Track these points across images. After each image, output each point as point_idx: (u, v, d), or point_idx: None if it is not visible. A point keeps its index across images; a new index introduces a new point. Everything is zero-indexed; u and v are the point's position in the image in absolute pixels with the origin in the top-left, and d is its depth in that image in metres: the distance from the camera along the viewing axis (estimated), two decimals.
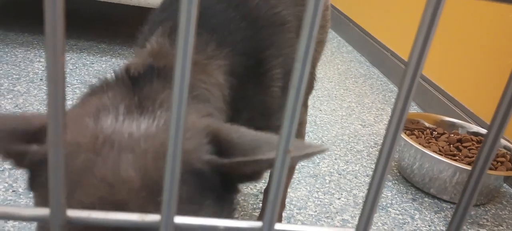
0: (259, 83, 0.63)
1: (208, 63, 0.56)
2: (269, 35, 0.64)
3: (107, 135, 0.40)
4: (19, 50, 1.60)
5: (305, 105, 0.94)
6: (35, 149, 0.40)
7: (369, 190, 0.28)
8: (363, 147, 1.36)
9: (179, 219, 0.28)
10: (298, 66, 0.25)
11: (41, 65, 1.51)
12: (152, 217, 0.27)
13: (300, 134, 0.91)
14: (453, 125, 1.36)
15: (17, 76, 1.40)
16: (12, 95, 1.27)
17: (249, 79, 0.61)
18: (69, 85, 1.39)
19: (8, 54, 1.55)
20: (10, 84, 1.33)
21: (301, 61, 0.24)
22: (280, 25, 0.65)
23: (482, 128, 1.35)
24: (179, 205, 0.36)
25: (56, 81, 0.23)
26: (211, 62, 0.56)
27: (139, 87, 0.47)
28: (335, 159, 1.26)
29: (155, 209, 0.39)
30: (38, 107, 1.23)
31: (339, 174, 1.19)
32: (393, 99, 1.80)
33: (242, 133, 0.41)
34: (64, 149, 0.24)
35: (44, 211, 0.26)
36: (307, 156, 0.37)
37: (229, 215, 0.50)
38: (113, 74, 0.49)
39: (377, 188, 0.28)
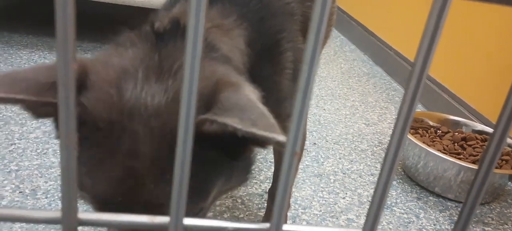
0: (275, 63, 0.64)
1: (231, 29, 0.56)
2: (281, 22, 0.65)
3: (127, 108, 0.41)
4: (24, 52, 1.60)
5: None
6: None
7: (375, 191, 0.28)
8: (367, 146, 1.36)
9: (188, 221, 0.28)
10: (306, 68, 0.25)
11: None
12: (161, 219, 0.28)
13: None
14: (457, 123, 1.36)
15: None
16: None
17: (265, 58, 0.62)
18: None
19: (13, 56, 1.56)
20: None
21: (309, 64, 0.25)
22: (290, 15, 0.67)
23: (487, 126, 1.35)
24: (169, 181, 0.36)
25: (67, 85, 0.23)
26: (233, 29, 0.56)
27: (163, 43, 0.47)
28: (340, 158, 1.26)
29: (167, 185, 0.40)
30: None
31: (343, 173, 1.19)
32: (396, 98, 1.80)
33: (233, 94, 0.40)
34: (75, 153, 0.25)
35: (55, 214, 0.27)
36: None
37: (239, 178, 0.50)
38: (138, 28, 0.49)
39: (383, 190, 0.28)
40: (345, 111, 1.59)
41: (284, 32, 0.65)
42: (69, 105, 0.23)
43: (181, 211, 0.27)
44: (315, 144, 1.32)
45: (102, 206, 0.43)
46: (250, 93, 0.41)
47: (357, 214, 1.03)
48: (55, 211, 0.27)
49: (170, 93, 0.42)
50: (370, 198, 1.10)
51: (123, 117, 0.41)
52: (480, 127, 1.34)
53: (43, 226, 0.82)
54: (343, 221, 0.99)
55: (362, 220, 1.01)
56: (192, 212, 0.45)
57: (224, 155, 0.45)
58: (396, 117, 0.27)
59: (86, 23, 1.96)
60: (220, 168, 0.46)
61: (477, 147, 1.22)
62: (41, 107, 0.41)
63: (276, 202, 0.28)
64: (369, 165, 1.26)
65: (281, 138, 0.35)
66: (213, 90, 0.42)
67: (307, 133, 1.35)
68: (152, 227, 0.28)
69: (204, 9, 0.21)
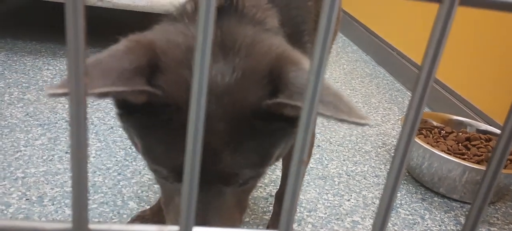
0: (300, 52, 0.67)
1: (267, 9, 0.58)
2: (303, 14, 0.68)
3: None
4: (28, 59, 1.61)
5: None
6: (158, 92, 0.43)
7: (382, 197, 0.29)
8: (371, 147, 1.36)
9: (198, 229, 0.28)
10: (312, 78, 0.25)
11: (49, 73, 1.53)
12: (171, 228, 0.28)
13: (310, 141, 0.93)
14: (461, 124, 1.36)
15: (27, 84, 1.41)
16: (22, 104, 1.28)
17: (292, 46, 0.64)
18: None
19: (17, 63, 1.56)
20: (20, 93, 1.35)
21: (315, 73, 0.25)
22: (309, 12, 0.69)
23: (491, 126, 1.35)
24: (242, 154, 0.45)
25: (78, 98, 0.23)
26: (269, 9, 0.58)
27: (221, 20, 0.49)
28: (344, 160, 1.26)
29: (239, 156, 0.45)
30: (49, 115, 1.25)
31: (348, 175, 1.19)
32: (399, 99, 1.80)
33: (300, 73, 0.44)
34: (86, 165, 0.25)
35: (66, 225, 0.27)
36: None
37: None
38: (192, 3, 0.51)
39: (390, 196, 0.28)
40: None
41: (306, 25, 0.67)
42: (80, 119, 0.24)
43: (191, 219, 0.27)
44: (319, 146, 1.32)
45: (180, 176, 0.45)
46: (306, 63, 0.45)
47: (363, 216, 1.03)
48: (66, 223, 0.27)
49: (238, 71, 0.45)
50: (375, 200, 1.10)
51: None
52: (484, 126, 1.33)
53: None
54: (348, 223, 0.99)
55: (367, 222, 1.01)
56: (257, 175, 0.50)
57: (286, 125, 0.48)
58: (400, 117, 0.27)
59: (92, 29, 1.97)
60: (281, 135, 0.48)
61: (481, 147, 1.22)
62: (131, 95, 0.43)
63: (283, 209, 0.28)
64: (373, 166, 1.26)
65: (370, 122, 0.39)
66: (277, 66, 0.45)
67: None
68: None
69: None
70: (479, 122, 1.37)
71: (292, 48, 0.49)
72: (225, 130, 0.44)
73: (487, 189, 0.30)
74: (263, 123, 0.46)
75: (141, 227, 0.28)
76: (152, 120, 0.46)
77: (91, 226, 0.27)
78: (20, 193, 0.91)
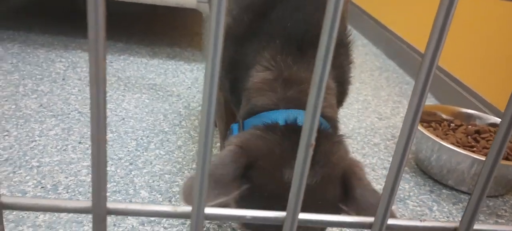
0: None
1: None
2: (344, 24, 0.79)
3: (287, 186, 0.55)
4: (41, 51, 1.64)
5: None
6: (245, 187, 0.58)
7: (386, 183, 0.30)
8: (380, 140, 1.37)
9: (209, 210, 0.30)
10: (319, 64, 0.26)
11: (62, 65, 1.55)
12: (184, 209, 0.30)
13: None
14: (470, 116, 1.35)
15: (40, 76, 1.44)
16: (36, 95, 1.31)
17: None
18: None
19: (31, 55, 1.59)
20: (34, 84, 1.38)
21: (322, 60, 0.26)
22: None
23: (500, 118, 1.34)
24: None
25: (98, 84, 0.25)
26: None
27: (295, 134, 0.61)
28: (353, 153, 1.27)
29: None
30: (62, 106, 1.27)
31: None
32: (409, 92, 1.80)
33: (363, 191, 0.59)
34: (105, 148, 0.27)
35: (86, 203, 0.28)
36: None
37: None
38: (281, 122, 0.63)
39: (395, 179, 0.29)
40: (357, 105, 1.60)
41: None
42: (99, 101, 0.25)
43: (202, 201, 0.29)
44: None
45: None
46: (363, 179, 0.61)
47: None
48: (86, 201, 0.29)
49: (318, 176, 0.59)
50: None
51: (283, 191, 0.54)
52: (494, 119, 1.33)
53: (66, 220, 0.84)
54: (353, 214, 1.00)
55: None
56: None
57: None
58: (408, 106, 0.28)
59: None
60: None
61: (490, 140, 1.22)
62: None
63: (291, 192, 0.29)
64: (382, 158, 1.26)
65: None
66: (346, 178, 0.61)
67: None
68: (175, 215, 0.29)
69: None
70: (489, 114, 1.37)
71: (355, 160, 0.64)
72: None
73: (486, 180, 0.31)
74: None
75: (155, 207, 0.29)
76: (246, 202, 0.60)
77: (109, 205, 0.28)
78: (35, 182, 0.94)
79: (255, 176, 0.59)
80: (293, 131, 0.62)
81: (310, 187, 0.58)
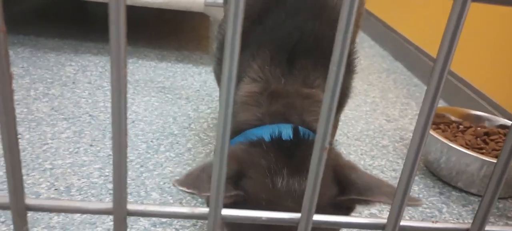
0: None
1: (313, 93, 0.70)
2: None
3: (282, 192, 0.57)
4: (51, 55, 1.66)
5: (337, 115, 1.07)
6: (240, 193, 0.57)
7: (398, 185, 0.30)
8: (389, 142, 1.37)
9: (226, 211, 0.30)
10: (334, 69, 0.27)
11: (72, 68, 1.57)
12: (202, 210, 0.30)
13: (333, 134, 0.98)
14: (479, 118, 1.35)
15: (51, 80, 1.46)
16: (47, 99, 1.33)
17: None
18: (100, 88, 1.45)
19: (41, 59, 1.61)
20: (45, 88, 1.39)
21: (337, 64, 0.27)
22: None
23: (510, 120, 1.34)
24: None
25: (119, 91, 0.26)
26: (315, 84, 0.70)
27: (294, 148, 0.61)
28: (361, 154, 1.27)
29: None
30: (73, 109, 1.29)
31: (365, 169, 1.20)
32: (417, 94, 1.80)
33: (359, 174, 0.59)
34: (126, 151, 0.28)
35: (107, 205, 0.29)
36: None
37: None
38: (266, 138, 0.63)
39: (407, 183, 0.30)
40: (365, 107, 1.60)
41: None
42: (121, 107, 0.26)
43: (220, 203, 0.30)
44: (336, 140, 1.33)
45: None
46: (354, 166, 0.61)
47: (380, 209, 1.05)
48: (107, 203, 0.29)
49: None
50: (380, 205, 1.11)
51: (279, 198, 0.56)
52: (503, 121, 1.33)
53: (79, 221, 0.86)
54: (366, 215, 1.01)
55: (384, 215, 1.02)
56: None
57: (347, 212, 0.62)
58: (418, 112, 0.28)
59: (107, 26, 2.01)
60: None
61: (499, 142, 1.21)
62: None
63: (306, 194, 0.30)
64: (390, 160, 1.27)
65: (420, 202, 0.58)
66: (338, 173, 0.60)
67: None
68: (193, 216, 0.30)
69: None
70: (498, 116, 1.37)
71: (347, 160, 0.64)
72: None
73: (498, 181, 0.31)
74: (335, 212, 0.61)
75: (174, 208, 0.30)
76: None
77: (129, 206, 0.29)
78: (48, 184, 0.95)
79: (248, 185, 0.57)
80: (277, 145, 0.61)
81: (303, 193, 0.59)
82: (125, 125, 0.27)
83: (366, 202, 0.56)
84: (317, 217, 0.31)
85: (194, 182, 0.50)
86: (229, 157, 0.57)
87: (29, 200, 0.29)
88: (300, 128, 0.63)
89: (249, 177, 0.58)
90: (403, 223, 0.32)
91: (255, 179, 0.58)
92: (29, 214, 0.85)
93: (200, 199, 0.99)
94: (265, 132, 0.63)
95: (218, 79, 0.96)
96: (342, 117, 1.50)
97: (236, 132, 0.68)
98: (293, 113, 0.66)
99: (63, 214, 0.87)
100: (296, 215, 0.31)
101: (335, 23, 0.76)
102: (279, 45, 0.69)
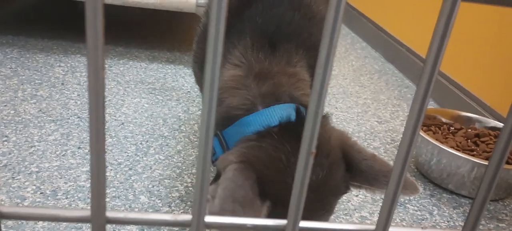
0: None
1: (297, 71, 0.69)
2: (320, 29, 0.75)
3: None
4: (40, 56, 1.64)
5: None
6: (268, 204, 0.56)
7: (388, 188, 0.30)
8: (380, 144, 1.36)
9: (209, 218, 0.29)
10: (320, 71, 0.26)
11: (61, 70, 1.55)
12: (184, 217, 0.29)
13: None
14: (470, 120, 1.35)
15: (39, 81, 1.44)
16: (35, 100, 1.31)
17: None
18: None
19: (30, 60, 1.59)
20: (33, 89, 1.37)
21: (323, 67, 0.26)
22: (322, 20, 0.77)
23: (500, 122, 1.34)
24: (326, 215, 0.62)
25: (97, 95, 0.25)
26: (298, 66, 0.70)
27: (299, 136, 0.61)
28: None
29: (325, 216, 0.63)
30: (61, 111, 1.27)
31: None
32: (409, 95, 1.80)
33: (368, 160, 0.61)
34: (104, 158, 0.26)
35: (85, 212, 0.28)
36: None
37: None
38: (274, 125, 0.61)
39: (396, 186, 0.29)
40: (357, 109, 1.59)
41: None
42: (99, 111, 0.25)
43: (203, 209, 0.29)
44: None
45: None
46: (362, 149, 0.63)
47: (371, 212, 1.04)
48: (85, 210, 0.28)
49: (325, 170, 0.59)
50: (383, 196, 1.10)
51: (307, 197, 0.55)
52: (493, 123, 1.33)
53: (65, 226, 0.84)
54: (356, 219, 1.00)
55: (375, 218, 1.02)
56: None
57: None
58: (408, 114, 0.28)
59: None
60: (341, 195, 0.65)
61: (490, 144, 1.21)
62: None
63: (292, 200, 0.29)
64: None
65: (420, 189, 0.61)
66: (346, 155, 0.62)
67: None
68: (176, 224, 0.29)
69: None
70: (489, 118, 1.37)
71: (341, 132, 0.66)
72: (321, 207, 0.60)
73: (490, 183, 0.31)
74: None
75: (155, 215, 0.29)
76: None
77: (108, 214, 0.28)
78: (34, 187, 0.93)
79: (271, 189, 0.56)
80: (286, 132, 0.59)
81: (322, 180, 0.59)
82: (103, 129, 0.26)
83: (372, 191, 0.61)
84: (303, 224, 0.30)
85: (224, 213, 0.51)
86: (246, 168, 0.56)
87: (3, 208, 0.27)
88: (301, 107, 0.63)
89: (269, 181, 0.57)
90: (392, 229, 0.31)
91: (275, 182, 0.57)
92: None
93: (189, 203, 0.98)
94: (265, 119, 0.61)
95: (197, 76, 0.94)
96: (334, 118, 1.49)
97: (228, 118, 0.64)
98: (282, 92, 0.65)
99: None
100: (281, 222, 0.30)
101: (312, 19, 0.75)
102: (259, 33, 0.69)
